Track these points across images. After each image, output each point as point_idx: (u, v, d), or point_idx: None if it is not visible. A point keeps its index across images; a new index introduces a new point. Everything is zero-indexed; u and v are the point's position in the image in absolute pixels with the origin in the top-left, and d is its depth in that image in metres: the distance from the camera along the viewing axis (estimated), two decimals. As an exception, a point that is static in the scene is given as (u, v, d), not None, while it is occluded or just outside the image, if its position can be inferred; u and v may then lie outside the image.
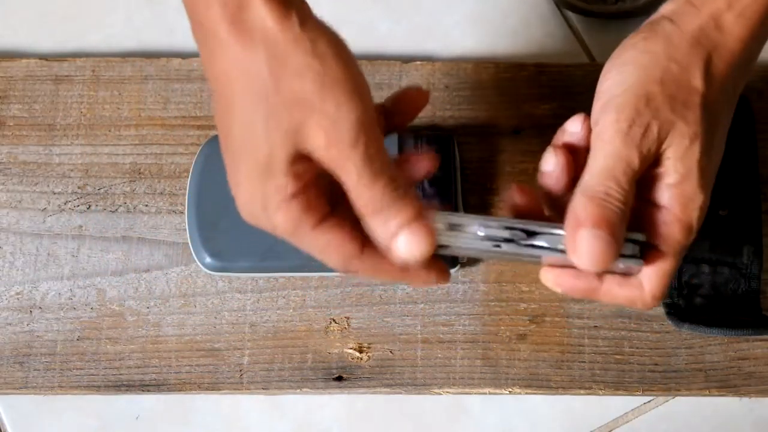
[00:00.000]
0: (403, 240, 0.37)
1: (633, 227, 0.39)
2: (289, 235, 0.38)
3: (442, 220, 0.39)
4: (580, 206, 0.38)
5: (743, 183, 0.57)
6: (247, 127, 0.37)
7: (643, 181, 0.39)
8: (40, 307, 0.57)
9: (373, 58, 0.61)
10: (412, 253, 0.37)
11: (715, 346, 0.55)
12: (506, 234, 0.39)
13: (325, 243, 0.38)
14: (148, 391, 0.55)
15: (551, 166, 0.40)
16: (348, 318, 0.56)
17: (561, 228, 0.39)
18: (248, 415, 0.57)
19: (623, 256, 0.39)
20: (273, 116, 0.36)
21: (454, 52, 0.62)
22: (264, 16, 0.35)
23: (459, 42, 0.63)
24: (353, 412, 0.57)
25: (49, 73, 0.60)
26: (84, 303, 0.57)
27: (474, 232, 0.39)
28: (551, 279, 0.41)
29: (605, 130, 0.38)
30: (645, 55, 0.39)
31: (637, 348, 0.55)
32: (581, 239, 0.37)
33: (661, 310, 0.56)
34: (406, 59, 0.61)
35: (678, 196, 0.39)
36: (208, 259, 0.55)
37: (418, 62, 0.61)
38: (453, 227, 0.39)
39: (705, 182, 0.39)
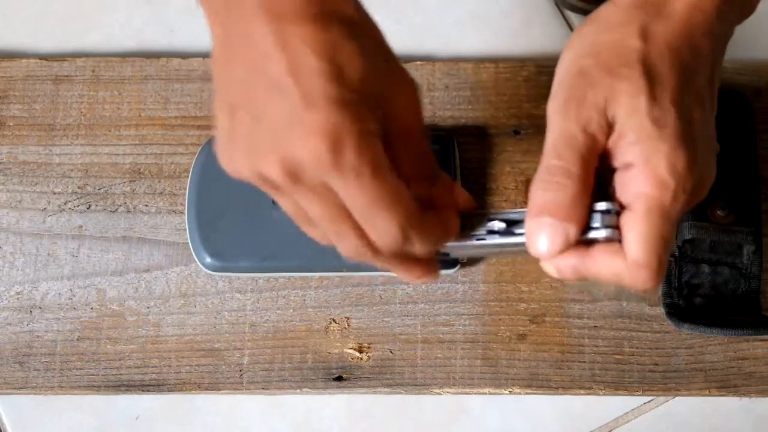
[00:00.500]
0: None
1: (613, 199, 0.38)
2: (367, 163, 0.35)
3: None
4: (530, 196, 0.37)
5: (743, 183, 0.57)
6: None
7: (610, 153, 0.38)
8: (40, 307, 0.57)
9: (373, 58, 0.61)
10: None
11: (715, 346, 0.55)
12: (487, 226, 0.39)
13: (394, 187, 0.36)
14: (148, 391, 0.55)
15: None
16: (348, 318, 0.56)
17: None
18: (248, 415, 0.57)
19: (592, 228, 0.37)
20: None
21: (454, 52, 0.62)
22: None
23: (459, 42, 0.63)
24: (353, 412, 0.57)
25: (49, 73, 0.60)
26: (84, 303, 0.57)
27: None
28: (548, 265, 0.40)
29: (548, 118, 0.38)
30: (581, 37, 0.39)
31: (637, 348, 0.55)
32: (529, 231, 0.37)
33: (661, 310, 0.56)
34: (406, 59, 0.61)
35: (639, 150, 0.37)
36: (208, 259, 0.55)
37: (418, 62, 0.61)
38: None
39: (664, 132, 0.37)
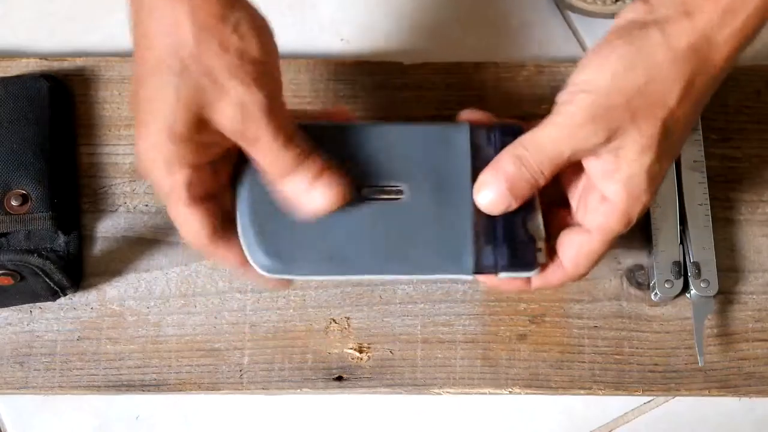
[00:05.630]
0: (318, 192, 0.42)
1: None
2: (162, 197, 0.42)
3: None
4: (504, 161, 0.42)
5: None
6: (158, 86, 0.40)
7: (594, 170, 0.42)
8: (40, 307, 0.57)
9: (373, 58, 0.61)
10: (328, 200, 0.42)
11: (714, 346, 0.55)
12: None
13: (183, 221, 0.42)
14: (148, 391, 0.55)
15: None
16: (348, 318, 0.56)
17: None
18: (248, 415, 0.57)
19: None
20: (187, 83, 0.39)
21: (454, 52, 0.62)
22: None
23: (459, 42, 0.63)
24: (353, 412, 0.57)
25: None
26: (84, 303, 0.57)
27: None
28: None
29: (560, 114, 0.41)
30: (626, 68, 0.39)
31: (637, 348, 0.55)
32: (487, 182, 0.43)
33: (661, 310, 0.56)
34: (407, 59, 0.61)
35: (623, 192, 0.41)
36: (265, 261, 0.45)
37: (418, 62, 0.61)
38: None
39: (652, 185, 0.41)
